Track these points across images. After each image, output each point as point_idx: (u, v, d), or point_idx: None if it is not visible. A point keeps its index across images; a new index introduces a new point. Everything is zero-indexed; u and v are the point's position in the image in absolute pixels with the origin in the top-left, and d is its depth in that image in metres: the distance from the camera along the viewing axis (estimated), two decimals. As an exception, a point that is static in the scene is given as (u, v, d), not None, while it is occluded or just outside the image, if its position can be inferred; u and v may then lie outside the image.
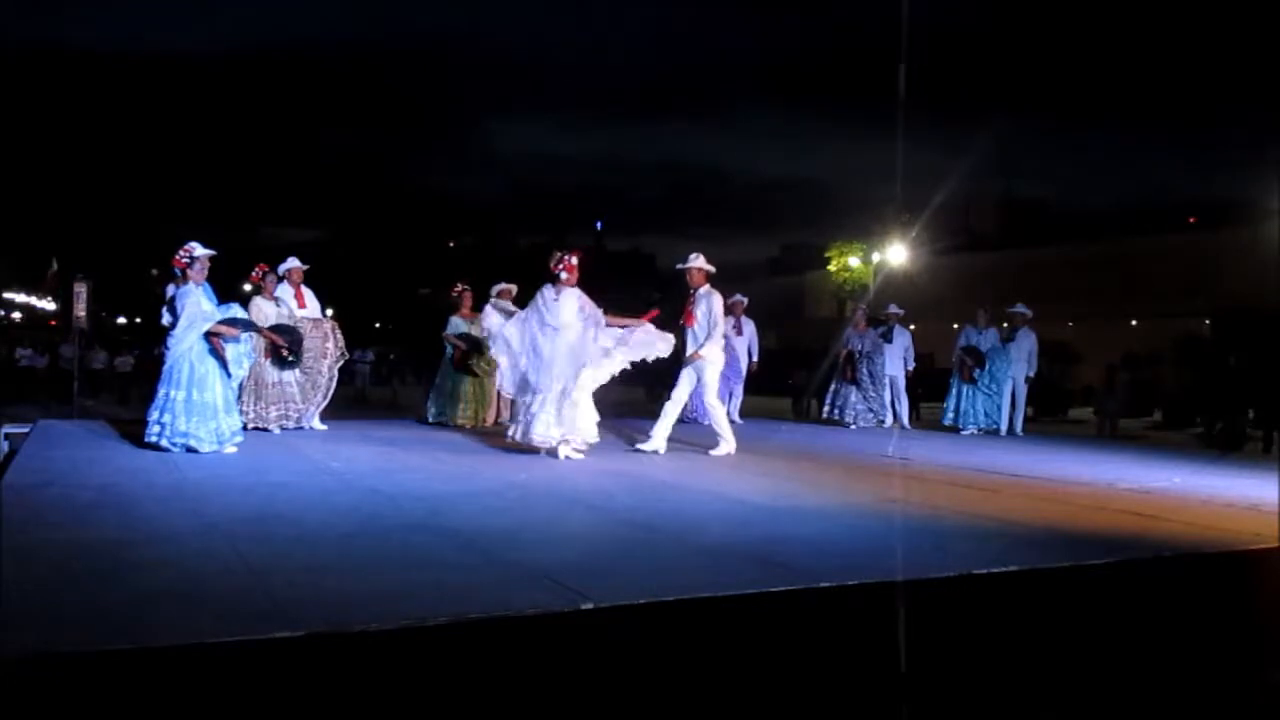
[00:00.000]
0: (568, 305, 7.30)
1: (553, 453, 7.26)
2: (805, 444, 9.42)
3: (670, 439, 8.16)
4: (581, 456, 7.29)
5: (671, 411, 7.96)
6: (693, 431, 8.93)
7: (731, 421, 11.49)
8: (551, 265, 7.37)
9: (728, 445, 7.94)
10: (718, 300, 7.94)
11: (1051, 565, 4.17)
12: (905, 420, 11.89)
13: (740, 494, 5.95)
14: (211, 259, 7.25)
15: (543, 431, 7.17)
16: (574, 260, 7.38)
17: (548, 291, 7.35)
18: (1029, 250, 32.82)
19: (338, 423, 9.32)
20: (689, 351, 7.96)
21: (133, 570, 3.60)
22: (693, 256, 8.07)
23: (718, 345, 7.93)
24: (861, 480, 6.81)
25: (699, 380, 7.99)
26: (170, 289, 7.55)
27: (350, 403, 12.17)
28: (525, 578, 3.66)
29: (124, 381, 21.25)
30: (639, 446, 7.90)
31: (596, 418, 7.34)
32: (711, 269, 8.10)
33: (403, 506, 5.26)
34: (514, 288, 9.92)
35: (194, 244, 7.20)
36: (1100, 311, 27.76)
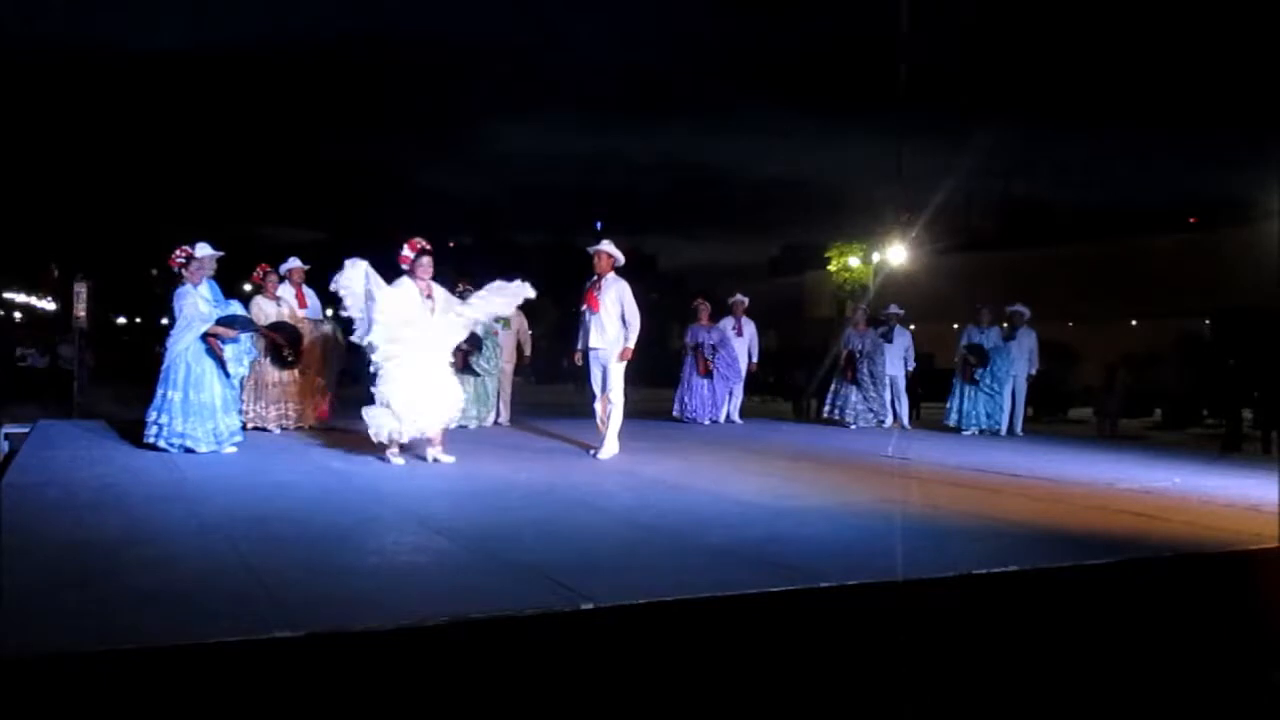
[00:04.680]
0: (441, 298, 6.91)
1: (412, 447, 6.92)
2: (805, 444, 9.42)
3: (561, 437, 8.19)
4: (452, 458, 6.88)
5: (616, 413, 7.55)
6: (583, 431, 8.57)
7: (731, 421, 11.53)
8: (401, 261, 6.84)
9: (611, 449, 7.51)
10: (628, 288, 7.53)
11: (1051, 565, 4.17)
12: (905, 420, 11.90)
13: (741, 494, 5.95)
14: (213, 259, 7.28)
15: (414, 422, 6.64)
16: (407, 251, 6.82)
17: (408, 283, 6.79)
18: (1029, 250, 32.77)
19: (338, 422, 9.31)
20: (594, 341, 7.50)
21: (133, 570, 3.60)
22: (604, 242, 7.69)
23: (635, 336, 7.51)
24: (861, 480, 6.80)
25: (607, 373, 7.55)
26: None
27: (357, 403, 12.16)
28: (525, 578, 3.66)
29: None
30: (596, 455, 7.51)
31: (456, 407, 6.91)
32: (620, 257, 7.69)
33: (402, 506, 5.26)
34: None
35: (203, 244, 7.20)
36: (1100, 311, 27.73)
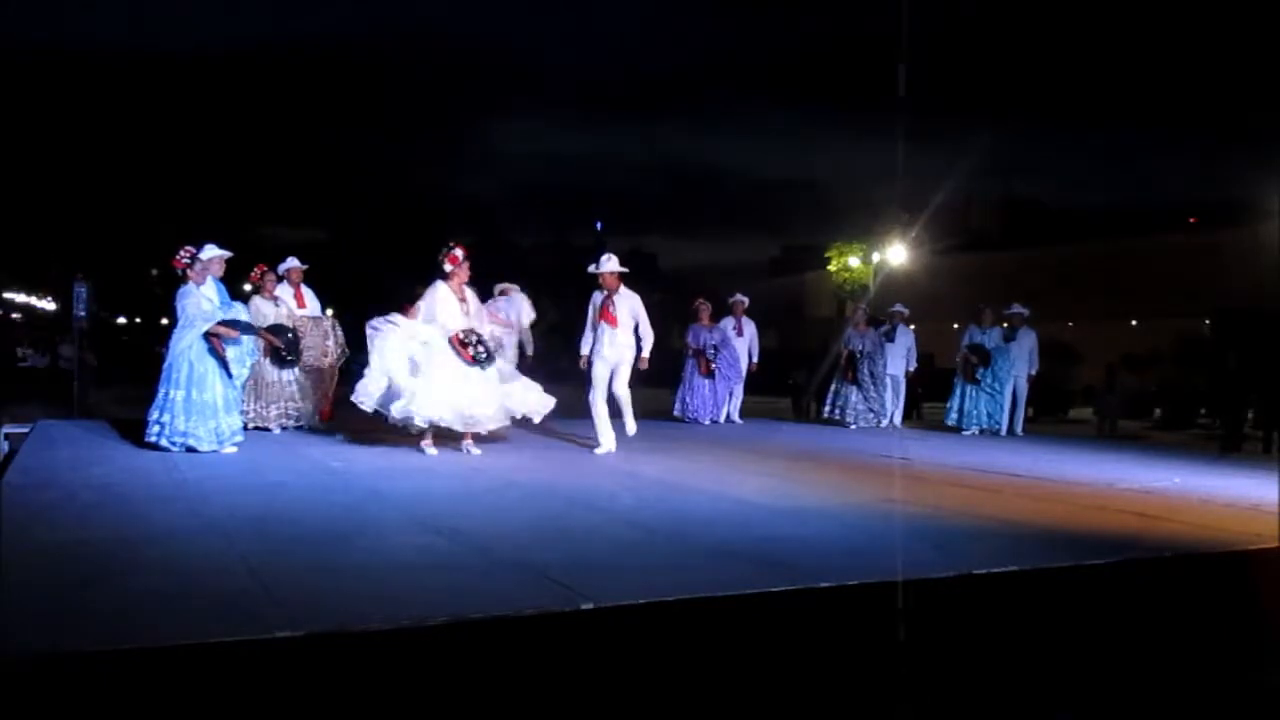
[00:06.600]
0: (474, 301, 7.55)
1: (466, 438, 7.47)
2: (805, 444, 9.42)
3: (561, 436, 8.46)
4: (479, 451, 7.43)
5: (627, 401, 8.08)
6: (584, 430, 8.66)
7: (731, 421, 11.53)
8: (449, 262, 7.41)
9: (608, 444, 7.87)
10: (639, 302, 8.01)
11: (1052, 565, 4.17)
12: (898, 419, 11.91)
13: (740, 494, 5.95)
14: (221, 260, 7.31)
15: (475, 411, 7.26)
16: (457, 253, 7.45)
17: (444, 289, 7.41)
18: (1029, 250, 32.81)
19: (338, 422, 9.31)
20: (607, 351, 7.86)
21: (133, 570, 3.60)
22: (605, 259, 8.03)
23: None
24: (861, 480, 6.80)
25: (617, 375, 7.99)
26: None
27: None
28: (525, 578, 3.66)
29: None
30: (595, 451, 7.87)
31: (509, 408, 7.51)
32: (625, 270, 8.07)
33: (402, 506, 5.26)
34: (515, 287, 9.93)
35: (210, 245, 7.22)
36: (1100, 311, 27.74)
